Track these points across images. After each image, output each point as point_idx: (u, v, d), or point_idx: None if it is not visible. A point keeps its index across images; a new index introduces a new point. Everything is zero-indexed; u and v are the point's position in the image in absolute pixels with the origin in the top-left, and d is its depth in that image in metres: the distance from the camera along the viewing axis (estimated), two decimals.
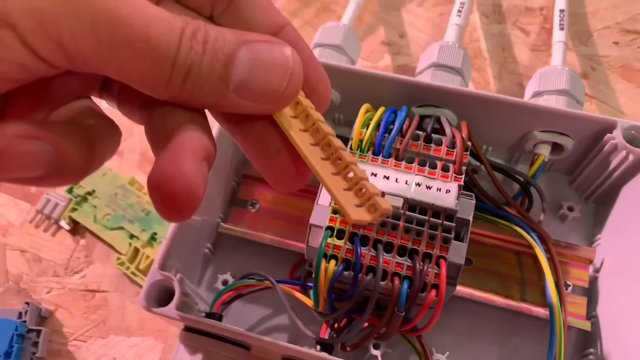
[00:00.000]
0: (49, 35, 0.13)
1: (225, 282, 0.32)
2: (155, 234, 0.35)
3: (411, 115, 0.30)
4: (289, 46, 0.16)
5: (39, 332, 0.32)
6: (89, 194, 0.37)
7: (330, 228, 0.26)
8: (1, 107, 0.15)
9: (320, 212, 0.27)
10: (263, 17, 0.17)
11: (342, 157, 0.16)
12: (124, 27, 0.13)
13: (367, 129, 0.28)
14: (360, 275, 0.25)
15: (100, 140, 0.16)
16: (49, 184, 0.15)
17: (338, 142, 0.17)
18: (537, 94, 0.33)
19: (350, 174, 0.16)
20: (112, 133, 0.17)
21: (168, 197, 0.14)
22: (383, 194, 0.17)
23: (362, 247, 0.26)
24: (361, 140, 0.28)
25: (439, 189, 0.27)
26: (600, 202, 0.33)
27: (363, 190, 0.16)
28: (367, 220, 0.16)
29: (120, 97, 0.18)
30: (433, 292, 0.25)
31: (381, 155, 0.28)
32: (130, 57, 0.13)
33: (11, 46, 0.12)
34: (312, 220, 0.27)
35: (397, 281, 0.25)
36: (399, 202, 0.26)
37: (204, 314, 0.29)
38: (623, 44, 0.41)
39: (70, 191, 0.37)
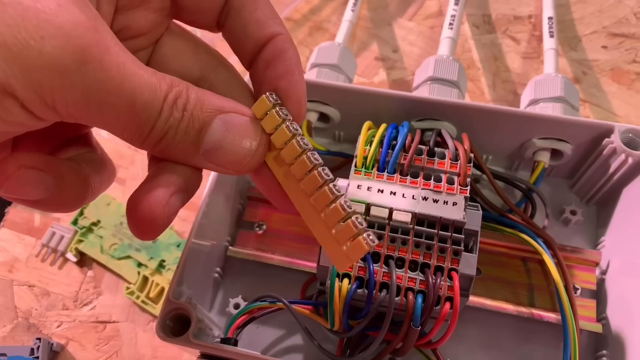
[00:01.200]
0: (44, 102, 0.14)
1: (237, 306, 0.32)
2: (163, 261, 0.35)
3: (412, 130, 0.30)
4: (259, 127, 0.18)
5: None
6: (94, 224, 0.37)
7: None
8: (13, 145, 0.18)
9: None
10: (253, 29, 0.18)
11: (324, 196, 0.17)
12: (112, 96, 0.15)
13: (370, 146, 0.29)
14: (374, 292, 0.26)
15: (95, 177, 0.18)
16: (45, 208, 0.18)
17: (320, 178, 0.17)
18: (533, 102, 0.33)
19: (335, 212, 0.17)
20: (107, 170, 0.19)
21: (135, 220, 0.17)
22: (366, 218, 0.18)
23: (374, 264, 0.26)
24: (365, 158, 0.29)
25: (445, 202, 0.27)
26: (601, 205, 0.34)
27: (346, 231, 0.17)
28: (354, 261, 0.18)
29: None
30: (447, 305, 0.25)
31: (386, 171, 0.28)
32: (114, 118, 0.15)
33: (12, 111, 0.14)
34: None
35: (411, 296, 0.25)
36: (407, 217, 0.27)
37: (219, 340, 0.29)
38: (611, 48, 0.41)
39: (75, 223, 0.37)
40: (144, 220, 0.17)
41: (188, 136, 0.17)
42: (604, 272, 0.31)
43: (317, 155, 0.18)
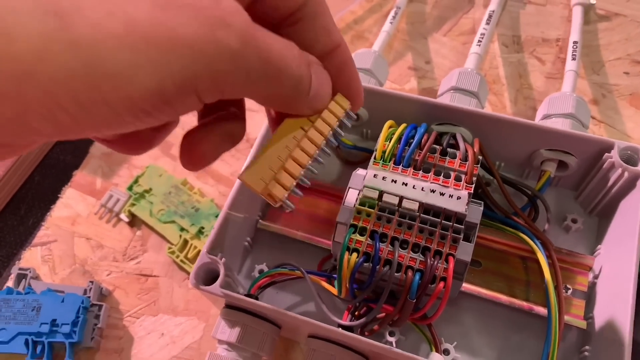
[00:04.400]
0: (218, 89, 0.16)
1: (261, 271, 0.36)
2: (202, 227, 0.40)
3: (430, 132, 0.34)
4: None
5: (100, 306, 0.37)
6: (147, 191, 0.42)
7: (353, 225, 0.30)
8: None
9: (346, 212, 0.31)
10: (323, 36, 0.21)
11: (299, 148, 0.21)
12: (266, 67, 0.17)
13: (390, 142, 0.33)
14: (378, 266, 0.29)
15: (237, 139, 0.21)
16: (190, 167, 0.20)
17: (307, 144, 0.21)
18: (546, 117, 0.36)
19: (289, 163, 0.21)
20: (243, 130, 0.22)
21: (190, 157, 0.20)
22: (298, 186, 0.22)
23: (380, 243, 0.30)
24: (384, 152, 0.33)
25: (451, 196, 0.30)
26: (602, 216, 0.36)
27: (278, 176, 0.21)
28: (251, 188, 0.21)
29: None
30: (441, 284, 0.29)
31: (401, 165, 0.32)
32: (265, 86, 0.17)
33: (188, 104, 0.16)
34: (338, 218, 0.31)
35: (410, 273, 0.29)
36: (415, 205, 0.30)
37: (242, 295, 0.33)
38: (633, 74, 0.44)
39: (130, 189, 0.42)
40: (196, 159, 0.20)
41: (306, 86, 0.19)
42: (596, 277, 0.34)
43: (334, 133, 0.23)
